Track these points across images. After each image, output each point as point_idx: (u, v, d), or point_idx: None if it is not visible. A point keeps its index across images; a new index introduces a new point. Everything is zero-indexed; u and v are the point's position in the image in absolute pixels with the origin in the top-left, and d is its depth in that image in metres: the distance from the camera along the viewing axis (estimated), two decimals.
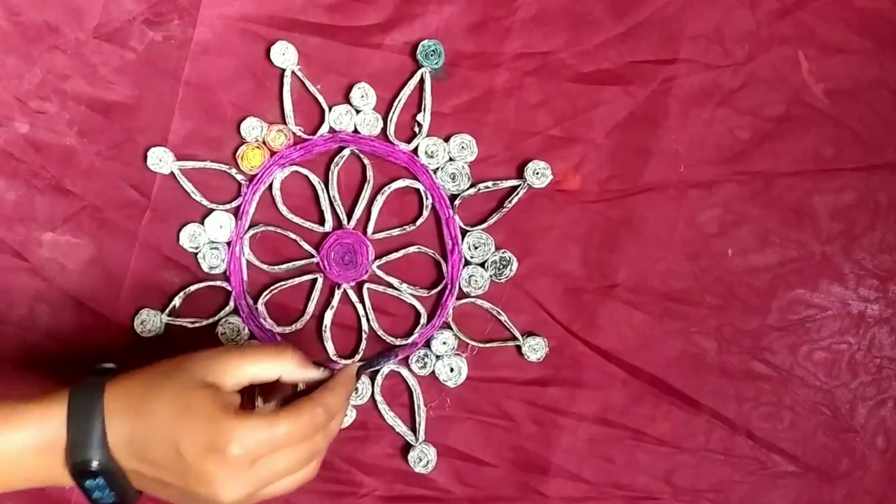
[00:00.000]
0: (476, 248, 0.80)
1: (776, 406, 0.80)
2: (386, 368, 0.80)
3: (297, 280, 0.81)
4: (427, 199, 0.81)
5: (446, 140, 0.80)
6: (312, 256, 0.81)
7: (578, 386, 0.81)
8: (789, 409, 0.80)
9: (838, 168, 0.81)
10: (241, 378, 0.56)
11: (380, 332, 0.81)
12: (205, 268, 0.80)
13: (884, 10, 0.81)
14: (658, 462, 0.80)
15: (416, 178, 0.81)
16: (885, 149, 0.81)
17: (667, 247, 0.81)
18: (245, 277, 0.81)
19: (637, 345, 0.80)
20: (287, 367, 0.58)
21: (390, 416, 0.80)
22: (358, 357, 0.80)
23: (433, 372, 0.80)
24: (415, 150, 0.81)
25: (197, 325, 0.80)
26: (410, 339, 0.80)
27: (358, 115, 0.81)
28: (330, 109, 0.80)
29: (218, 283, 0.81)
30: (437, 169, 0.81)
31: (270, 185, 0.81)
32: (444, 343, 0.80)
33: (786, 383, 0.80)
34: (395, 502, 0.81)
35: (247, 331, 0.80)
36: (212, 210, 0.80)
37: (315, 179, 0.81)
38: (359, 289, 0.81)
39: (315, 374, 0.59)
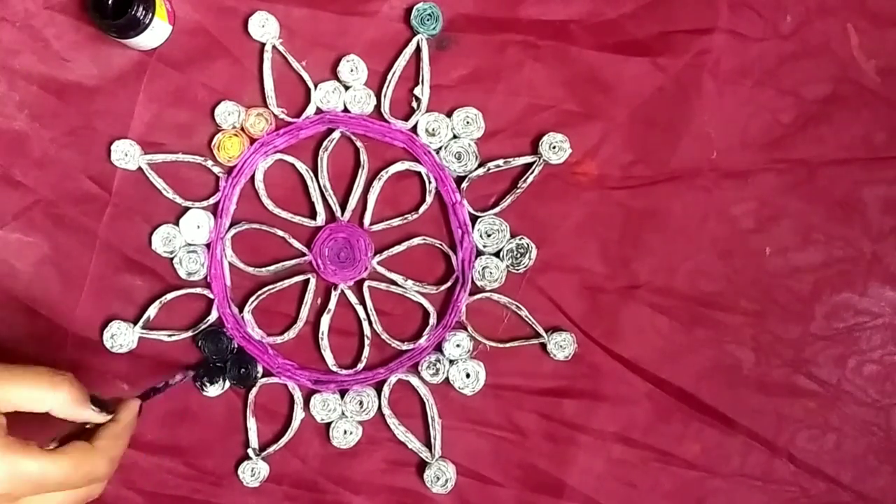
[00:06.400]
0: (489, 235, 0.75)
1: (821, 426, 0.76)
2: (393, 378, 0.76)
3: (287, 282, 0.77)
4: (430, 182, 0.76)
5: (449, 115, 0.75)
6: (304, 255, 0.77)
7: (598, 399, 0.77)
8: (836, 430, 0.76)
9: (891, 156, 0.76)
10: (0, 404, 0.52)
11: (384, 336, 0.76)
12: (182, 274, 0.76)
13: None
14: (687, 488, 0.76)
15: (416, 160, 0.76)
16: None
17: (696, 243, 0.76)
18: (228, 283, 0.77)
19: (664, 354, 0.76)
20: (59, 402, 0.53)
21: (401, 431, 0.76)
22: (361, 366, 0.77)
23: (447, 379, 0.76)
24: (413, 129, 0.76)
25: (175, 338, 0.77)
26: (419, 343, 0.76)
27: (347, 91, 0.76)
28: (316, 87, 0.76)
29: (198, 290, 0.77)
30: (440, 148, 0.76)
31: (252, 178, 0.77)
32: (458, 346, 0.76)
33: (832, 400, 0.76)
34: None
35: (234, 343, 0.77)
36: (187, 208, 0.77)
37: (303, 168, 0.76)
38: (358, 289, 0.77)
39: (89, 415, 0.55)
